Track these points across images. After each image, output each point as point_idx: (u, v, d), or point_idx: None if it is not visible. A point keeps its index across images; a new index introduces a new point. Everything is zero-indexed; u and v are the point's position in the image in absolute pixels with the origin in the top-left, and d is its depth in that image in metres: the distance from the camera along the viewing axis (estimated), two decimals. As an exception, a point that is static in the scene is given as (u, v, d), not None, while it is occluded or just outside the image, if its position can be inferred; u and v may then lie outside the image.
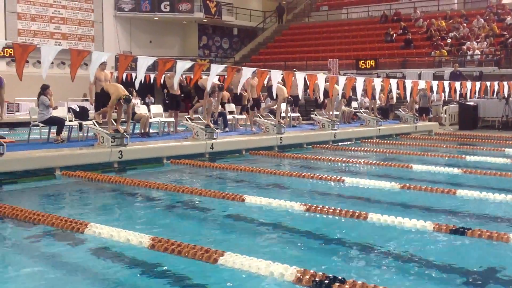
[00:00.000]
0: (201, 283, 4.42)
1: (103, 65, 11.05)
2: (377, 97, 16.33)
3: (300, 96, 13.98)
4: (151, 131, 13.25)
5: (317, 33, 32.22)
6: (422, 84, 16.20)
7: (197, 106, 13.59)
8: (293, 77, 12.73)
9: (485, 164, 10.75)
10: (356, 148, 13.89)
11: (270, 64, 24.59)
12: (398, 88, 14.69)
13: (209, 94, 12.39)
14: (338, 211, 6.48)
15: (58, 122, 10.92)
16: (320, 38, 31.56)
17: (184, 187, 8.09)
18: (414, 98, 17.93)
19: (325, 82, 14.45)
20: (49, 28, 27.27)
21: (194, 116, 12.62)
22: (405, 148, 13.79)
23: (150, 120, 12.97)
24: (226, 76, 11.77)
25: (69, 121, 11.66)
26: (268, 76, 12.64)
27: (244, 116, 15.39)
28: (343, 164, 10.98)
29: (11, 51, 21.06)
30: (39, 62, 9.46)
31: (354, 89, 14.69)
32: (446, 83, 16.34)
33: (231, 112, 15.30)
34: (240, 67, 12.33)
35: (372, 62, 25.83)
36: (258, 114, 14.22)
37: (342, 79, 13.86)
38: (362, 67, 25.92)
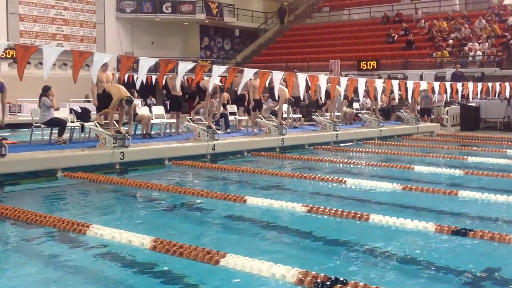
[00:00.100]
0: (202, 285, 4.41)
1: (105, 66, 11.06)
2: (378, 98, 16.32)
3: (302, 98, 13.98)
4: (152, 132, 13.26)
5: (319, 34, 32.22)
6: (423, 85, 16.18)
7: (199, 107, 13.59)
8: (294, 78, 12.73)
9: (487, 165, 10.77)
10: (357, 149, 13.89)
11: (272, 65, 24.59)
12: (399, 89, 14.68)
13: (210, 95, 12.40)
14: (339, 212, 6.48)
15: (59, 123, 10.93)
16: (322, 39, 31.55)
17: (186, 189, 8.10)
18: (416, 99, 17.90)
19: (327, 83, 14.44)
20: (51, 29, 27.31)
21: (195, 117, 12.63)
22: (406, 149, 13.77)
23: (152, 121, 12.98)
24: (227, 77, 11.78)
25: (71, 122, 11.69)
26: (269, 77, 12.64)
27: (245, 117, 15.40)
28: (345, 165, 10.98)
29: (13, 52, 21.16)
30: (41, 63, 9.48)
31: (355, 90, 14.68)
32: (447, 84, 16.32)
33: (232, 113, 15.29)
34: (241, 68, 12.33)
35: (374, 63, 25.83)
36: (260, 115, 14.22)
37: (343, 80, 13.86)
38: (364, 68, 25.92)
